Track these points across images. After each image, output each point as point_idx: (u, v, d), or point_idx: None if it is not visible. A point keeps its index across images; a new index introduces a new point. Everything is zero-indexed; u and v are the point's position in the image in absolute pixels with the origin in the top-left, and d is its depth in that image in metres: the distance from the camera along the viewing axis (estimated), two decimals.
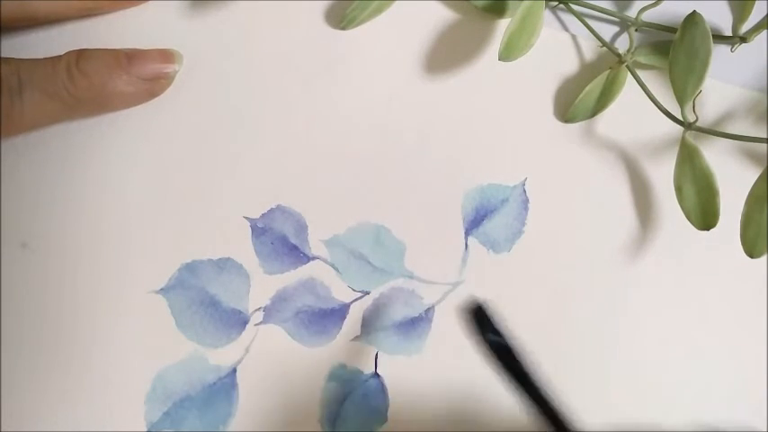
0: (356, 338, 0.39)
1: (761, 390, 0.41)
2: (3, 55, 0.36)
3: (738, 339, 0.41)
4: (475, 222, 0.40)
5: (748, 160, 0.41)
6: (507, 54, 0.37)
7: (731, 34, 0.41)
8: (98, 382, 0.38)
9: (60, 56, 0.36)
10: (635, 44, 0.40)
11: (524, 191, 0.41)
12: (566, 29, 0.42)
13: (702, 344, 0.41)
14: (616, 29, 0.42)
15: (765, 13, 0.40)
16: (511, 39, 0.37)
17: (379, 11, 0.40)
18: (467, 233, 0.40)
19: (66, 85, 0.35)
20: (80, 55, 0.36)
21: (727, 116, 0.42)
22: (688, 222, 0.38)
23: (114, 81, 0.36)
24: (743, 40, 0.41)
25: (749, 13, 0.40)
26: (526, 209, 0.41)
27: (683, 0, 0.40)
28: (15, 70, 0.34)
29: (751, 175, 0.36)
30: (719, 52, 0.41)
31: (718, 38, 0.41)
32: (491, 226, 0.40)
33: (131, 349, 0.38)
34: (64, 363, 0.37)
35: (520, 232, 0.40)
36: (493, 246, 0.40)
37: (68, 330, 0.38)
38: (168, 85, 0.38)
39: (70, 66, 0.35)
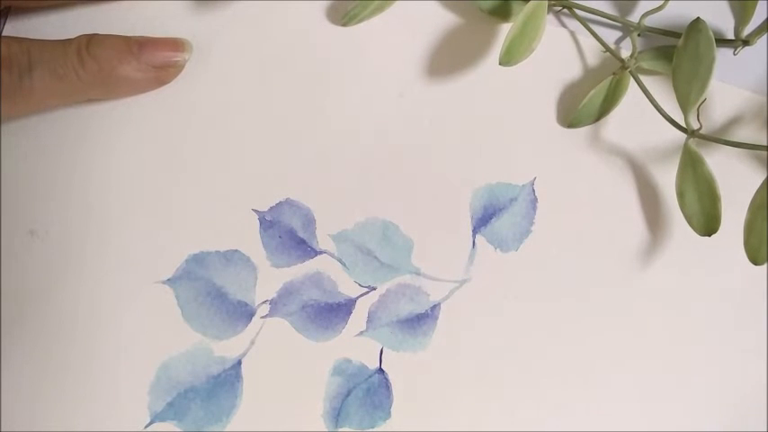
0: (361, 333, 0.39)
1: (761, 393, 0.41)
2: (15, 36, 0.36)
3: (739, 343, 0.42)
4: (483, 220, 0.40)
5: (754, 165, 0.42)
6: (508, 59, 0.37)
7: (734, 37, 0.42)
8: (102, 370, 0.37)
9: (72, 39, 0.36)
10: (638, 49, 0.40)
11: (533, 190, 0.41)
12: (569, 33, 0.42)
13: (703, 347, 0.41)
14: (619, 33, 0.43)
15: (767, 16, 0.41)
16: (512, 44, 0.37)
17: (380, 9, 0.40)
18: (474, 231, 0.40)
19: (75, 67, 0.35)
20: (91, 39, 0.36)
21: (731, 119, 0.42)
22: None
23: (123, 66, 0.36)
24: (746, 42, 0.41)
25: (751, 15, 0.41)
26: (535, 208, 0.41)
27: (686, 1, 0.41)
28: (26, 49, 0.35)
29: (756, 181, 0.37)
30: (722, 55, 0.41)
31: (721, 41, 0.42)
32: (499, 224, 0.40)
33: (136, 339, 0.38)
34: (68, 351, 0.37)
35: (528, 231, 0.41)
36: (500, 244, 0.40)
37: (74, 318, 0.37)
38: (177, 73, 0.39)
39: (81, 49, 0.35)
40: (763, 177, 0.36)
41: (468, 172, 0.41)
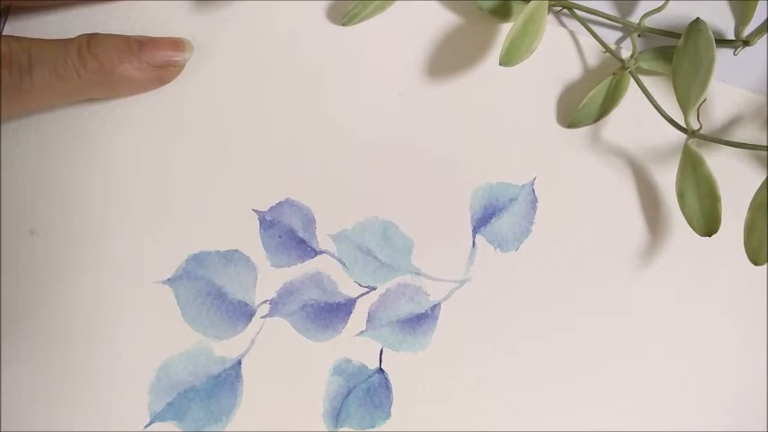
0: (361, 333, 0.39)
1: (761, 393, 0.41)
2: (15, 35, 0.36)
3: (739, 343, 0.42)
4: (483, 220, 0.40)
5: (754, 165, 0.42)
6: (508, 59, 0.37)
7: (734, 37, 0.42)
8: (102, 370, 0.37)
9: (72, 38, 0.36)
10: (638, 49, 0.40)
11: (533, 190, 0.41)
12: (569, 33, 0.42)
13: (703, 347, 0.41)
14: (619, 34, 0.43)
15: (767, 16, 0.41)
16: (512, 44, 0.37)
17: (380, 9, 0.40)
18: (474, 231, 0.40)
19: (76, 66, 0.35)
20: (92, 38, 0.36)
21: (731, 119, 0.42)
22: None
23: (124, 65, 0.36)
24: (746, 43, 0.41)
25: (751, 15, 0.41)
26: (534, 208, 0.41)
27: (687, 1, 0.41)
28: (27, 48, 0.35)
29: (756, 181, 0.37)
30: (723, 56, 0.41)
31: (722, 41, 0.42)
32: (499, 224, 0.40)
33: (137, 339, 0.38)
34: (68, 351, 0.37)
35: (528, 231, 0.41)
36: (500, 244, 0.40)
37: (74, 318, 0.37)
38: (177, 73, 0.38)
39: (81, 48, 0.35)
40: (763, 177, 0.36)
41: (468, 172, 0.41)
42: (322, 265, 0.39)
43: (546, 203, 0.41)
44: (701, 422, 0.41)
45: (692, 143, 0.38)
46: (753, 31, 0.41)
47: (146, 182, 0.39)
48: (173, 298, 0.38)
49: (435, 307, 0.40)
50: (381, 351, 0.39)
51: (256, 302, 0.39)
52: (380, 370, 0.39)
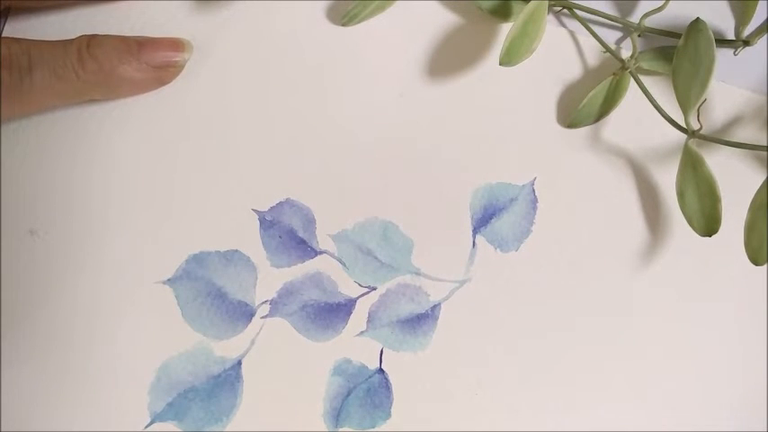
0: (362, 334, 0.39)
1: (761, 393, 0.41)
2: (14, 37, 0.36)
3: (739, 344, 0.42)
4: (483, 220, 0.40)
5: (754, 165, 0.42)
6: (508, 59, 0.37)
7: (734, 37, 0.42)
8: (102, 371, 0.37)
9: (72, 39, 0.36)
10: (638, 50, 0.40)
11: (533, 190, 0.41)
12: (569, 33, 0.42)
13: (703, 347, 0.41)
14: (619, 34, 0.43)
15: (767, 16, 0.41)
16: (512, 44, 0.37)
17: (380, 9, 0.40)
18: (475, 231, 0.40)
19: (75, 67, 0.35)
20: (91, 39, 0.36)
21: (731, 120, 0.42)
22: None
23: (123, 66, 0.36)
24: (746, 43, 0.41)
25: (752, 15, 0.41)
26: (535, 208, 0.41)
27: (687, 1, 0.41)
28: (26, 50, 0.35)
29: (756, 181, 0.37)
30: (723, 55, 0.41)
31: (722, 41, 0.42)
32: (499, 224, 0.40)
33: (137, 339, 0.38)
34: (68, 351, 0.37)
35: (528, 231, 0.41)
36: (500, 244, 0.40)
37: (74, 318, 0.37)
38: (177, 73, 0.39)
39: (81, 49, 0.35)
40: (764, 177, 0.36)
41: (468, 172, 0.41)
42: (322, 265, 0.39)
43: (546, 203, 0.41)
44: (702, 422, 0.41)
45: (692, 143, 0.38)
46: (753, 31, 0.41)
47: (146, 182, 0.39)
48: (173, 298, 0.38)
49: (435, 307, 0.40)
50: (381, 351, 0.39)
51: (256, 302, 0.39)
52: (380, 370, 0.39)
